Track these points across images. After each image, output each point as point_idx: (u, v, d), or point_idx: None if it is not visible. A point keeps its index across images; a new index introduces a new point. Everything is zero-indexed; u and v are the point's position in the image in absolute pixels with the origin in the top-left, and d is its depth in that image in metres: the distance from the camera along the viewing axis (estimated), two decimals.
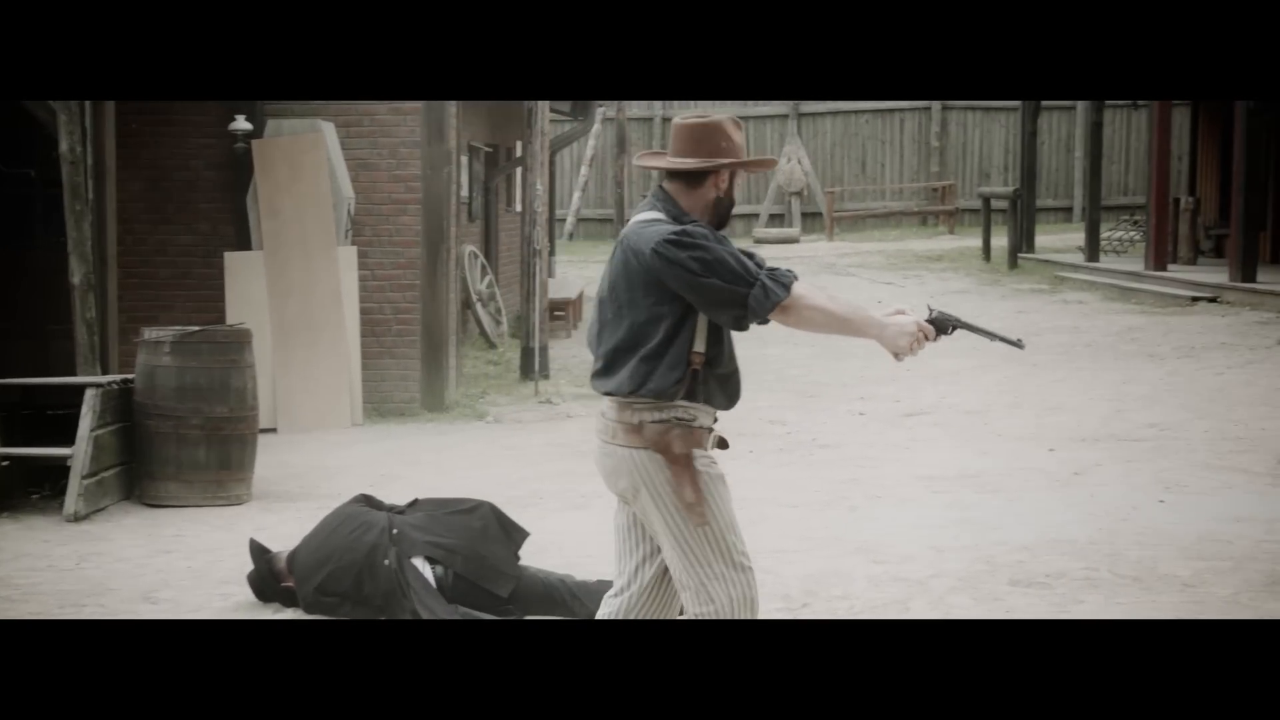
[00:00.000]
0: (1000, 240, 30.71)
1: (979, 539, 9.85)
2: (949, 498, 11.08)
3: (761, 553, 9.60)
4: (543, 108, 17.99)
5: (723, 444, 5.84)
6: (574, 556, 9.33)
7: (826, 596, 8.59)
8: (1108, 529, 9.96)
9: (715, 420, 5.81)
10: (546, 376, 17.42)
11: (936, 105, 40.01)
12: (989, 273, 29.03)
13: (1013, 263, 29.54)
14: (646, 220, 5.79)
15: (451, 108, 15.80)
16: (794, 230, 38.52)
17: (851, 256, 32.78)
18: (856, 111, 40.43)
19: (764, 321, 5.65)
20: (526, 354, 17.63)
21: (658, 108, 41.02)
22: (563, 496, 11.56)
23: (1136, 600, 8.33)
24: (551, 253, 25.59)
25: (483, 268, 20.34)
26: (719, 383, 5.78)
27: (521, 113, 18.31)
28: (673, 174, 5.87)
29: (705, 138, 5.83)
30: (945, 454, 12.86)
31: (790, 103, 40.18)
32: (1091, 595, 8.45)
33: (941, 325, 5.81)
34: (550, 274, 23.48)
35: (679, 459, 5.69)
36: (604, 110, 36.20)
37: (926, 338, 5.71)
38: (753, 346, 20.75)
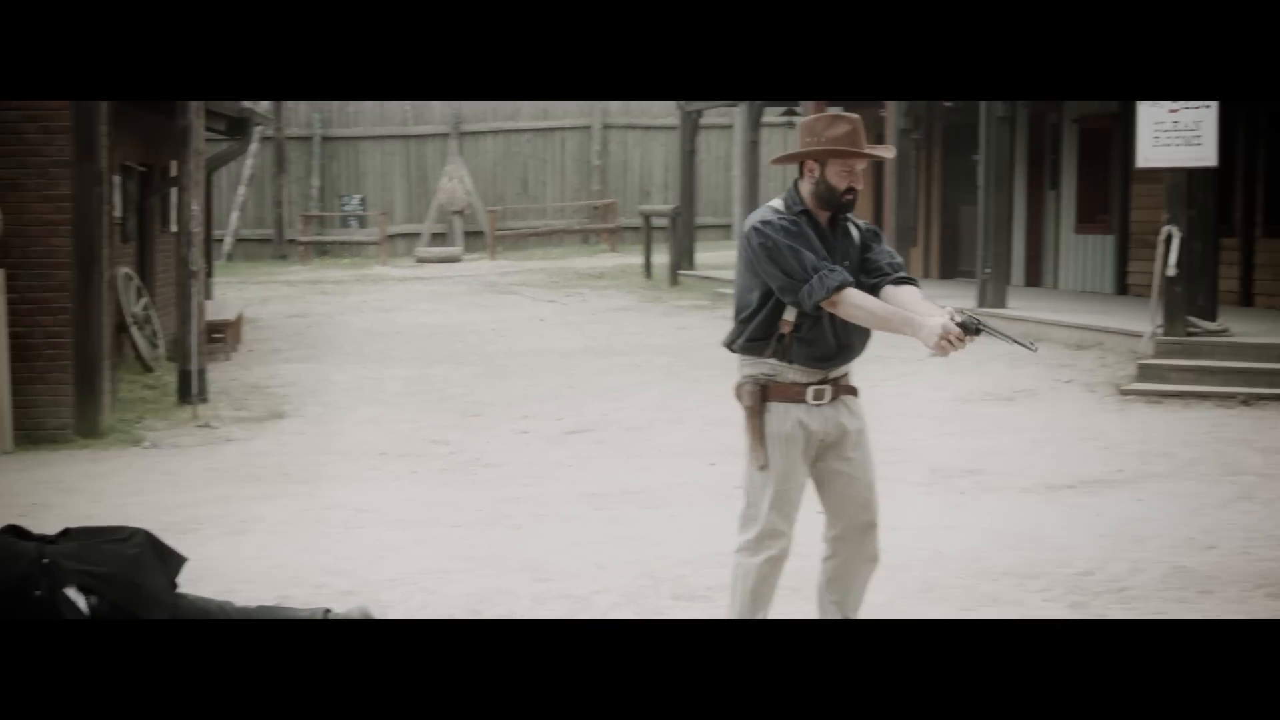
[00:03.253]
0: (661, 257, 31.12)
1: (641, 554, 9.93)
2: (611, 514, 11.15)
3: (425, 573, 9.57)
4: (198, 126, 17.68)
5: (849, 391, 6.95)
6: (234, 583, 9.18)
7: (490, 615, 8.58)
8: None
9: (824, 377, 6.84)
10: (205, 400, 17.11)
11: (597, 124, 40.37)
12: (650, 290, 29.36)
13: (674, 279, 29.95)
14: (765, 208, 6.88)
15: (102, 126, 15.41)
16: (456, 249, 38.48)
17: (514, 275, 32.89)
18: (518, 130, 40.60)
19: (815, 310, 6.66)
20: (184, 377, 17.28)
21: (317, 126, 40.65)
22: (222, 522, 11.36)
23: (797, 611, 8.45)
24: (209, 274, 25.16)
25: (138, 290, 19.91)
26: (806, 346, 6.78)
27: (177, 132, 17.96)
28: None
29: (803, 133, 6.81)
30: (607, 471, 12.94)
31: (451, 121, 40.16)
32: None
33: (968, 327, 6.54)
34: (208, 295, 23.07)
35: (746, 409, 6.87)
36: (262, 129, 35.73)
37: (958, 338, 6.51)
38: (416, 366, 20.72)
